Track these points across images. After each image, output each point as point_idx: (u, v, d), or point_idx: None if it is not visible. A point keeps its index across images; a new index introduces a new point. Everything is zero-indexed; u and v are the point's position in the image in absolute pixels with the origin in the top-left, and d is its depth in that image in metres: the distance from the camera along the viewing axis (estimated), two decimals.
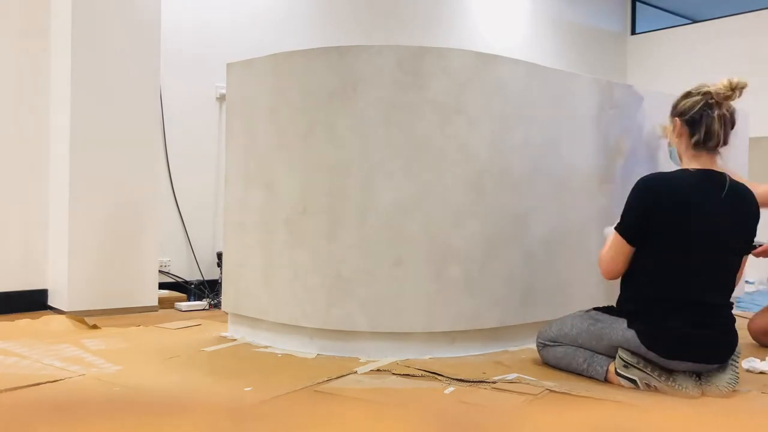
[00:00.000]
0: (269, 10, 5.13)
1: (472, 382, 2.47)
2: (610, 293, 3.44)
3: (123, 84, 3.97)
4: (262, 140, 3.07)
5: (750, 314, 3.63)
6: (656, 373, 2.40)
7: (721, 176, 2.45)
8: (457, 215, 2.89)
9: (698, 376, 2.43)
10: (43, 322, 3.39)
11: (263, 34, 5.04)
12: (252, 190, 3.10)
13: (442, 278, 2.87)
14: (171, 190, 4.60)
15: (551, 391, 2.35)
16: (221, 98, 4.77)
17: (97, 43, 3.91)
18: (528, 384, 2.43)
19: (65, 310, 3.80)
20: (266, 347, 3.00)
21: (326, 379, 2.47)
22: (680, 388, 2.37)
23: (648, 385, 2.40)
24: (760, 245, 3.11)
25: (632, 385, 2.43)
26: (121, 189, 3.96)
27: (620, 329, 2.46)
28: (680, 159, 2.58)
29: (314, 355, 2.86)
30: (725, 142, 2.47)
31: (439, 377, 2.52)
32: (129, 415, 2.05)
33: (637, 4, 8.28)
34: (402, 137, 2.85)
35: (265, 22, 5.09)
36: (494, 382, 2.45)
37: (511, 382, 2.47)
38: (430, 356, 2.87)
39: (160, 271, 4.27)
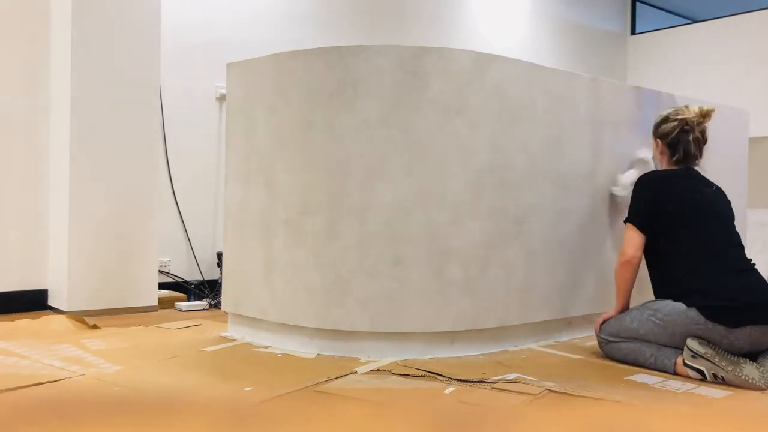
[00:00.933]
0: (269, 10, 5.13)
1: (472, 382, 2.47)
2: (609, 293, 3.45)
3: (123, 84, 3.97)
4: (262, 140, 3.07)
5: None
6: (724, 364, 2.51)
7: (700, 173, 2.93)
8: (457, 215, 2.89)
9: (754, 359, 2.57)
10: (43, 322, 3.39)
11: (263, 34, 5.03)
12: (252, 190, 3.10)
13: (442, 278, 2.87)
14: (171, 190, 4.60)
15: (551, 391, 2.35)
16: (221, 98, 4.77)
17: (97, 44, 3.91)
18: (528, 384, 2.43)
19: (65, 310, 3.80)
20: (266, 347, 3.00)
21: (326, 379, 2.47)
22: (747, 379, 2.48)
23: (715, 376, 2.52)
24: None
25: (699, 376, 2.55)
26: (121, 189, 3.96)
27: (681, 313, 2.63)
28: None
29: (314, 355, 2.86)
30: (700, 157, 2.95)
31: (439, 377, 2.53)
32: (129, 415, 2.05)
33: (637, 4, 8.27)
34: (402, 137, 2.85)
35: (265, 22, 5.09)
36: (494, 382, 2.45)
37: (511, 382, 2.47)
38: (430, 356, 2.87)
39: (160, 271, 4.27)
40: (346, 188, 2.86)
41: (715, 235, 2.77)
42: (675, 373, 2.63)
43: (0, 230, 3.90)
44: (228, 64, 3.29)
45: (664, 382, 2.53)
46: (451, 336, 2.92)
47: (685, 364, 2.60)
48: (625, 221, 2.91)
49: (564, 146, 3.24)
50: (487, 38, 6.64)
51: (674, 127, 2.89)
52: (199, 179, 4.74)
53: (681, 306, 2.64)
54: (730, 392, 2.41)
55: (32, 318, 3.50)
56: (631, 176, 3.29)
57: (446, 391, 2.36)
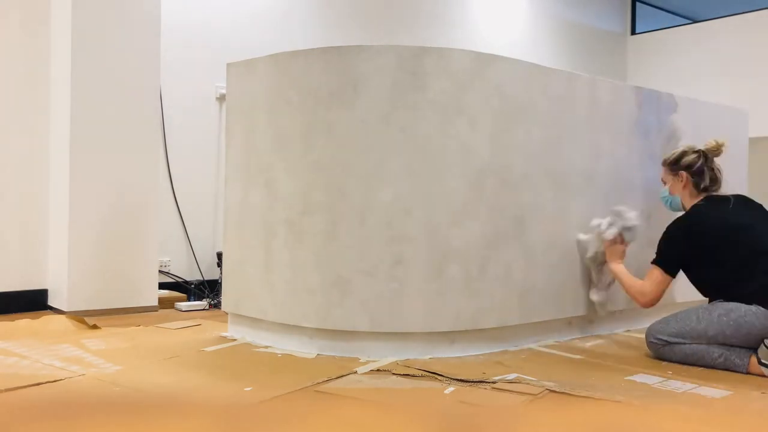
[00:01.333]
0: (269, 10, 5.13)
1: (472, 382, 2.47)
2: (609, 293, 3.44)
3: (123, 84, 3.97)
4: (262, 140, 3.07)
5: None
6: None
7: (725, 197, 3.03)
8: (457, 215, 2.89)
9: None
10: (43, 322, 3.39)
11: (263, 34, 5.03)
12: (252, 190, 3.10)
13: (442, 278, 2.87)
14: (171, 190, 4.60)
15: (551, 391, 2.35)
16: (221, 98, 4.77)
17: (97, 44, 3.91)
18: (528, 384, 2.43)
19: (65, 310, 3.80)
20: (266, 347, 3.00)
21: (326, 379, 2.47)
22: None
23: None
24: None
25: None
26: (121, 189, 3.96)
27: (761, 315, 2.66)
28: (683, 204, 3.12)
29: (314, 355, 2.86)
30: (720, 186, 3.08)
31: (439, 377, 2.53)
32: (129, 415, 2.05)
33: (637, 4, 8.27)
34: (402, 137, 2.85)
35: (264, 22, 5.09)
36: (494, 382, 2.45)
37: (511, 382, 2.47)
38: (430, 356, 2.87)
39: (160, 271, 4.27)
40: (346, 188, 2.86)
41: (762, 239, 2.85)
42: (747, 373, 2.66)
43: (0, 230, 3.90)
44: (228, 64, 3.29)
45: (664, 382, 2.53)
46: (451, 336, 2.92)
47: (762, 364, 2.62)
48: (653, 262, 2.99)
49: (564, 146, 3.24)
50: (487, 38, 6.64)
51: (696, 158, 3.07)
52: (199, 179, 4.74)
53: (759, 309, 2.67)
54: (730, 392, 2.41)
55: (32, 318, 3.50)
56: (602, 224, 3.25)
57: (446, 391, 2.36)
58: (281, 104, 3.00)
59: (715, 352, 2.73)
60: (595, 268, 3.29)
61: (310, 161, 2.92)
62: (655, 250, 3.02)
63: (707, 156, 3.07)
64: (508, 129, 3.02)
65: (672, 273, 2.95)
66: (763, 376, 2.62)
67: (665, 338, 2.84)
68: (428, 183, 2.86)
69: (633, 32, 8.27)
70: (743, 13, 7.37)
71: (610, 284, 3.31)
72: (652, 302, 3.00)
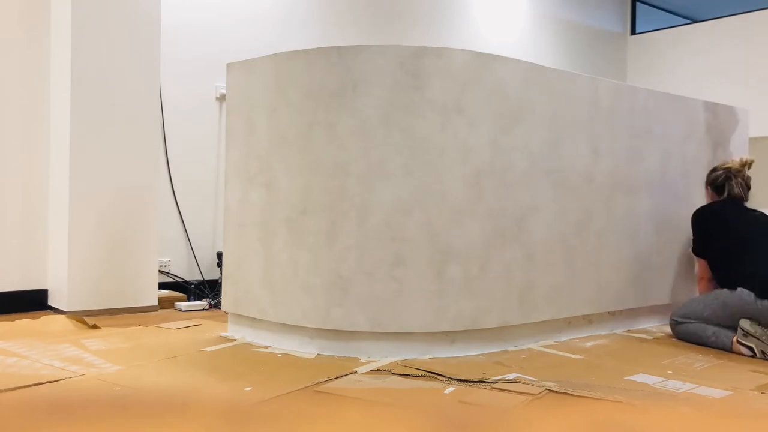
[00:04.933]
0: (269, 10, 5.13)
1: (472, 382, 2.47)
2: (608, 293, 3.45)
3: (123, 84, 3.97)
4: (262, 140, 3.07)
5: None
6: None
7: (739, 202, 3.50)
8: (457, 215, 2.89)
9: None
10: (43, 322, 3.39)
11: (263, 34, 5.04)
12: (252, 190, 3.10)
13: (442, 278, 2.87)
14: (171, 191, 4.60)
15: (551, 391, 2.35)
16: (221, 98, 4.77)
17: (97, 44, 3.91)
18: (528, 384, 2.43)
19: (65, 310, 3.80)
20: (266, 347, 3.00)
21: (326, 379, 2.47)
22: None
23: (764, 353, 2.97)
24: None
25: (750, 353, 3.00)
26: (121, 189, 3.96)
27: (736, 294, 3.12)
28: None
29: (314, 355, 2.86)
30: (746, 199, 3.51)
31: (439, 377, 2.53)
32: (129, 415, 2.05)
33: (637, 4, 8.27)
34: (402, 137, 2.85)
35: (265, 22, 5.09)
36: (494, 382, 2.45)
37: (511, 382, 2.47)
38: (430, 356, 2.87)
39: (160, 271, 4.27)
40: (346, 188, 2.86)
41: (758, 238, 3.31)
42: (731, 351, 3.06)
43: (0, 230, 3.90)
44: (228, 64, 3.29)
45: (664, 382, 2.53)
46: (451, 336, 2.92)
47: (739, 342, 3.03)
48: (694, 253, 3.57)
49: (564, 146, 3.24)
50: (487, 38, 6.64)
51: (719, 176, 3.54)
52: (199, 179, 4.74)
53: (744, 291, 3.10)
54: (730, 392, 2.42)
55: (32, 318, 3.50)
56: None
57: (446, 391, 2.36)
58: (281, 104, 3.00)
59: (709, 330, 3.19)
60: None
61: (310, 161, 2.92)
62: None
63: (731, 173, 3.48)
64: (508, 129, 3.02)
65: (700, 254, 3.51)
66: (741, 354, 3.01)
67: (677, 318, 3.35)
68: (428, 183, 2.86)
69: (633, 32, 8.27)
70: (743, 13, 7.37)
71: None
72: (699, 282, 3.56)
